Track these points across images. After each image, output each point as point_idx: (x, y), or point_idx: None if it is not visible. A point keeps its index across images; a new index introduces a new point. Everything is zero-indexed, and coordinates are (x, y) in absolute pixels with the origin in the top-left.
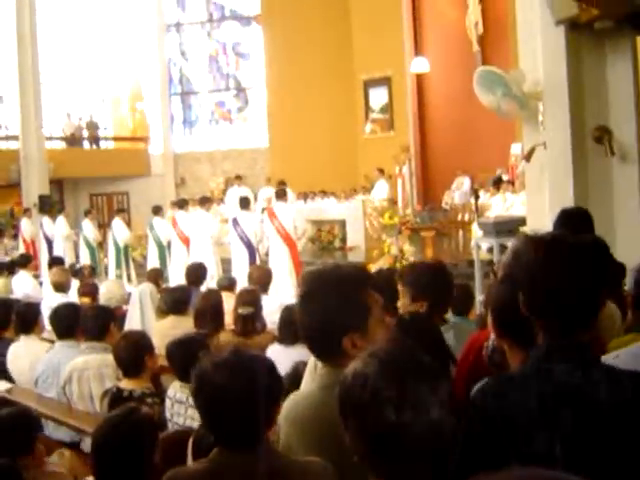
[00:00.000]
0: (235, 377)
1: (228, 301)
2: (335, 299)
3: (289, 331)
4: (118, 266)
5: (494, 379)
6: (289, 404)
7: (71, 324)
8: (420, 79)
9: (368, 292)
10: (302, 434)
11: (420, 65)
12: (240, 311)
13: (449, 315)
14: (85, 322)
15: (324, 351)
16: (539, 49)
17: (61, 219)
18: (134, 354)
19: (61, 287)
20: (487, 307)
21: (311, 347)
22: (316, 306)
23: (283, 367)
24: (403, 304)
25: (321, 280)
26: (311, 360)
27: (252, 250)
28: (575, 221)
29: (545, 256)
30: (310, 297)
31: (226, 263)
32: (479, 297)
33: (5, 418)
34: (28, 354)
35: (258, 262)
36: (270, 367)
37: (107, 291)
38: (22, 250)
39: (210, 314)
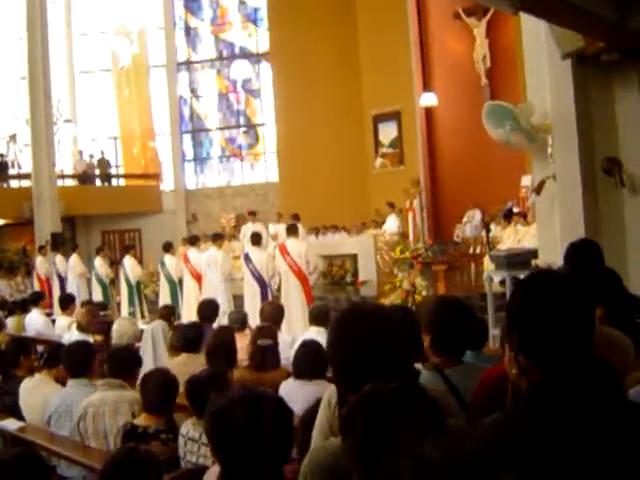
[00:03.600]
0: (250, 415)
1: (240, 339)
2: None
3: (305, 367)
4: (131, 303)
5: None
6: (312, 452)
7: (84, 362)
8: (429, 113)
9: None
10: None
11: (429, 99)
12: (260, 342)
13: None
14: (68, 357)
15: None
16: (546, 82)
17: (75, 257)
18: (165, 392)
19: (85, 328)
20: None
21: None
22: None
23: (298, 403)
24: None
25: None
26: (325, 396)
27: (264, 286)
28: (583, 254)
29: (531, 295)
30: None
31: (238, 299)
32: (492, 330)
33: (12, 462)
34: (42, 392)
35: (270, 298)
36: (280, 404)
37: (119, 328)
38: (37, 288)
39: (222, 351)
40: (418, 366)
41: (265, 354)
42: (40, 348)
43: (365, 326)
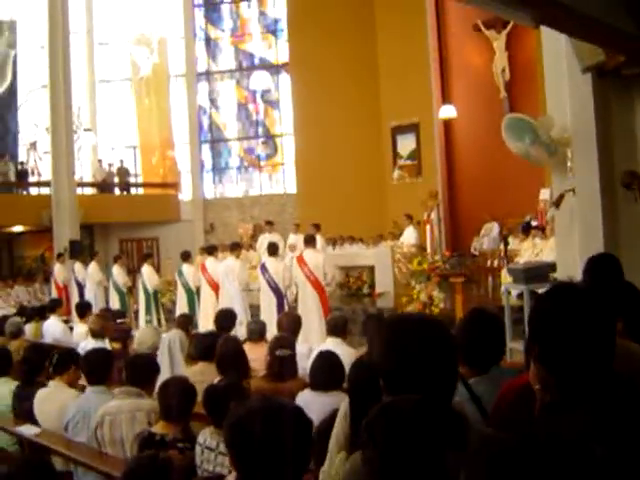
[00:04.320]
0: (270, 425)
1: (258, 349)
2: None
3: (321, 378)
4: (148, 312)
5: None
6: (355, 458)
7: (103, 370)
8: (448, 125)
9: None
10: None
11: (448, 111)
12: (278, 353)
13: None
14: (86, 365)
15: None
16: (566, 95)
17: (93, 264)
18: (184, 400)
19: (99, 334)
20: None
21: None
22: None
23: (314, 414)
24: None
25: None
26: (342, 408)
27: (280, 296)
28: (603, 268)
29: (553, 307)
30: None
31: (254, 309)
32: (510, 344)
33: (19, 469)
34: (56, 400)
35: (286, 308)
36: (300, 414)
37: (139, 337)
38: (54, 295)
39: (230, 361)
40: None
41: (282, 364)
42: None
43: (418, 336)
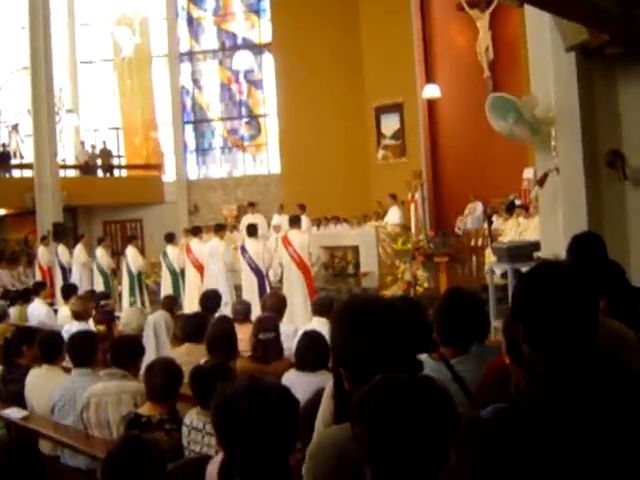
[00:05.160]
0: (257, 405)
1: (244, 329)
2: None
3: (308, 357)
4: (132, 294)
5: (496, 411)
6: (317, 438)
7: (88, 352)
8: (431, 105)
9: None
10: (327, 462)
11: (431, 91)
12: (261, 337)
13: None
14: (71, 347)
15: None
16: (550, 74)
17: (80, 247)
18: (170, 381)
19: (81, 316)
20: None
21: None
22: None
23: (300, 394)
24: None
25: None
26: (328, 387)
27: (261, 276)
28: (587, 246)
29: (537, 285)
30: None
31: (240, 290)
32: (494, 322)
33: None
34: (49, 383)
35: (268, 289)
36: (286, 394)
37: (125, 318)
38: (38, 278)
39: (221, 341)
40: (423, 356)
41: (267, 347)
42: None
43: (371, 317)
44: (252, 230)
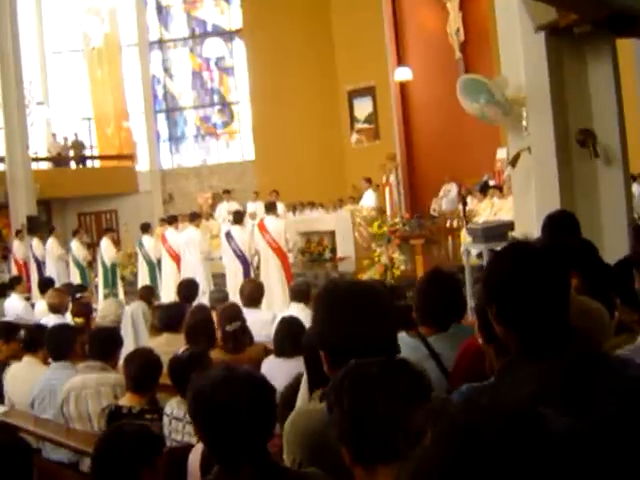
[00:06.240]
0: (233, 394)
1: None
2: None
3: (286, 344)
4: (106, 285)
5: (469, 389)
6: (293, 418)
7: (66, 345)
8: (404, 87)
9: None
10: (303, 448)
11: (403, 74)
12: (228, 328)
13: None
14: (49, 340)
15: None
16: (520, 55)
17: (52, 240)
18: (149, 370)
19: (57, 309)
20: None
21: None
22: None
23: (280, 380)
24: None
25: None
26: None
27: (246, 264)
28: (560, 225)
29: (507, 266)
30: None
31: (217, 278)
32: (470, 302)
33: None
34: (30, 377)
35: (252, 276)
36: (262, 381)
37: (102, 309)
38: (14, 272)
39: (201, 330)
40: (402, 334)
41: (236, 337)
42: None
43: (352, 301)
44: (238, 217)
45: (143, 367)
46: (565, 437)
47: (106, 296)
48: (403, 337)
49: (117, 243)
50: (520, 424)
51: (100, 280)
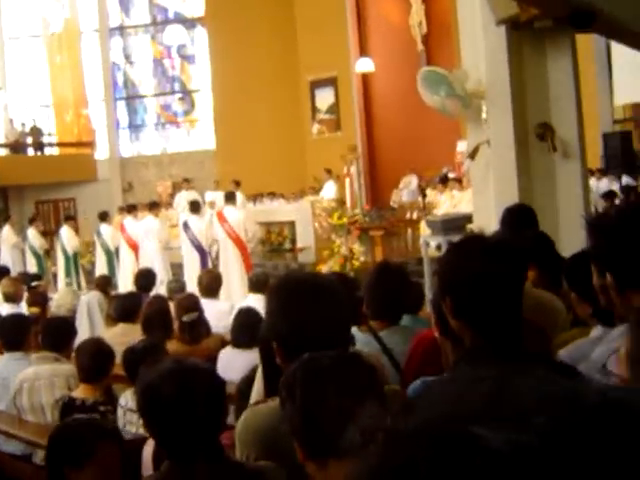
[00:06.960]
0: (181, 387)
1: None
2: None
3: (244, 334)
4: (68, 274)
5: (423, 383)
6: (245, 415)
7: (19, 335)
8: (366, 79)
9: None
10: (257, 442)
11: (365, 65)
12: (185, 319)
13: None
14: (3, 330)
15: None
16: (481, 48)
17: (7, 228)
18: (99, 361)
19: (12, 298)
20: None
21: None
22: None
23: (237, 371)
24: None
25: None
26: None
27: (203, 254)
28: (518, 218)
29: (461, 259)
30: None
31: (175, 267)
32: (428, 294)
33: None
34: None
35: (210, 266)
36: (211, 374)
37: (58, 299)
38: None
39: (157, 321)
40: (353, 329)
41: (193, 327)
42: None
43: (305, 294)
44: (195, 206)
45: (94, 357)
46: (508, 452)
47: (68, 285)
48: (355, 333)
49: (76, 231)
50: (456, 447)
51: (61, 269)
